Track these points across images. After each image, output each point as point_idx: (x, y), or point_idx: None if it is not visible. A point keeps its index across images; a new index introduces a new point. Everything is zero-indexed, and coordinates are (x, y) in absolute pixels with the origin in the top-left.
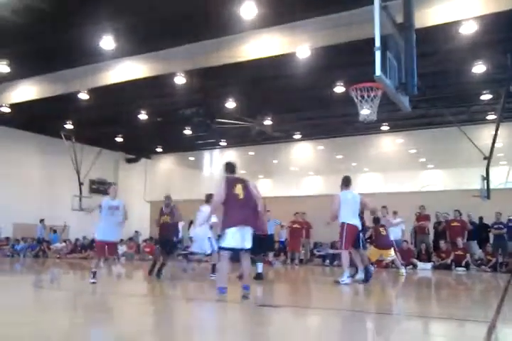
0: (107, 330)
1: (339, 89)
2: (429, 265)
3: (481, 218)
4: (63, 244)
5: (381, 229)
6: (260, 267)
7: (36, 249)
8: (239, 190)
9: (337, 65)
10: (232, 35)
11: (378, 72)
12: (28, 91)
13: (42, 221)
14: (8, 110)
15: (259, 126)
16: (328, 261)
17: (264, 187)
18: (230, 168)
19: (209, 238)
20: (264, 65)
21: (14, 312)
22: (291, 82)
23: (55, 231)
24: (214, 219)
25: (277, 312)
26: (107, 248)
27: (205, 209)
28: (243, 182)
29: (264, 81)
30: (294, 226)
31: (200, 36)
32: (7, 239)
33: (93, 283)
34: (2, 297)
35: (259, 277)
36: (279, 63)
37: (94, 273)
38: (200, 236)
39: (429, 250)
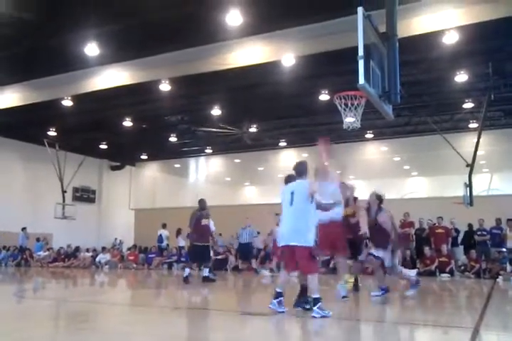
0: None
1: (324, 97)
2: (413, 271)
3: (470, 225)
4: (47, 253)
5: None
6: (206, 271)
7: (18, 257)
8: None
9: (321, 73)
10: (218, 43)
11: (362, 80)
12: (10, 97)
13: (24, 229)
14: None
15: (244, 133)
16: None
17: (250, 195)
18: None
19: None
20: (250, 72)
21: None
22: (276, 89)
23: (38, 240)
24: None
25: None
26: None
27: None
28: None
29: (250, 88)
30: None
31: (185, 43)
32: None
33: None
34: None
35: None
36: (264, 71)
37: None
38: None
39: (414, 257)
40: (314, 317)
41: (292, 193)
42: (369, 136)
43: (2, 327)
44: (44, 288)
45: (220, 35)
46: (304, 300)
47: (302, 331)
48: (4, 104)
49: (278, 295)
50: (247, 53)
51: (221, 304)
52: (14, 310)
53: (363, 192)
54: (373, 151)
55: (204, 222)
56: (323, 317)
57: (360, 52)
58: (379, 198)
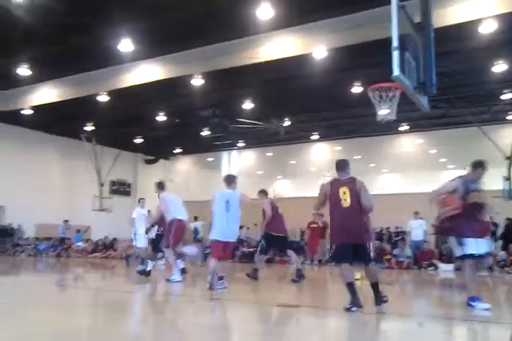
0: (123, 329)
1: (356, 89)
2: (451, 266)
3: (509, 219)
4: (85, 244)
5: None
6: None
7: (58, 248)
8: None
9: (354, 66)
10: (249, 37)
11: (396, 71)
12: (49, 93)
13: (66, 221)
14: (30, 112)
15: (276, 127)
16: None
17: (282, 188)
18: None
19: None
20: (281, 66)
21: (37, 311)
22: (307, 82)
23: (78, 231)
24: None
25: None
26: None
27: None
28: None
29: (281, 82)
30: (312, 226)
31: (217, 38)
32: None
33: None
34: (24, 296)
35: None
36: (295, 64)
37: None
38: None
39: (451, 251)
40: None
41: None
42: (404, 128)
43: (46, 316)
44: (83, 277)
45: (252, 29)
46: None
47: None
48: (43, 100)
49: None
50: (278, 46)
51: (251, 295)
52: (55, 299)
53: (398, 186)
54: (408, 144)
55: None
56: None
57: (395, 43)
58: None
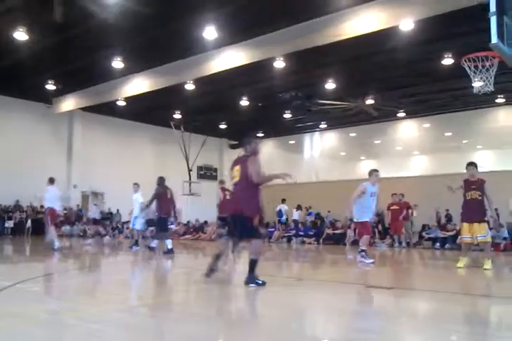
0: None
1: (447, 61)
2: None
3: None
4: (177, 227)
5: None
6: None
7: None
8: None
9: (444, 36)
10: (331, 14)
11: (494, 39)
12: (140, 84)
13: None
14: (123, 103)
15: (360, 105)
16: (438, 244)
17: (366, 169)
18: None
19: None
20: (365, 41)
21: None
22: (393, 57)
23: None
24: None
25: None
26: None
27: None
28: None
29: (365, 58)
30: (392, 208)
31: (297, 18)
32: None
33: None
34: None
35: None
36: (380, 39)
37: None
38: None
39: None
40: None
41: None
42: (500, 100)
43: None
44: (177, 258)
45: (333, 6)
46: None
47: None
48: (135, 91)
49: None
50: (361, 22)
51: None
52: (154, 277)
53: (495, 163)
54: (505, 118)
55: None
56: None
57: (492, 7)
58: None
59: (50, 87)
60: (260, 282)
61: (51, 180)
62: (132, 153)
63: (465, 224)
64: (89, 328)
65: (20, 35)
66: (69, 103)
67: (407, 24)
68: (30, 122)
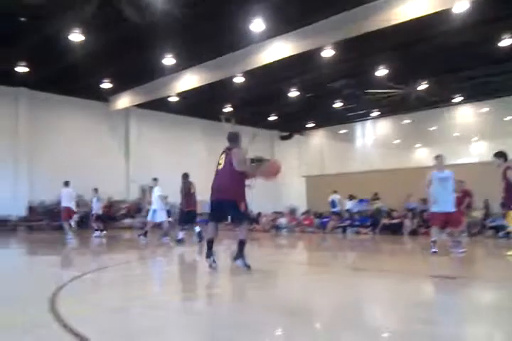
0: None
1: (506, 42)
2: None
3: None
4: None
5: None
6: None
7: None
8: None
9: (503, 16)
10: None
11: None
12: (190, 79)
13: None
14: (176, 99)
15: (414, 91)
16: (501, 233)
17: (422, 157)
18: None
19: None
20: (416, 25)
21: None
22: (446, 40)
23: None
24: None
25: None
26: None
27: None
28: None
29: (417, 43)
30: (457, 195)
31: (345, 5)
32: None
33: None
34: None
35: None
36: (432, 22)
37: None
38: None
39: None
40: None
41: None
42: None
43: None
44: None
45: None
46: None
47: None
48: (186, 86)
49: None
50: (413, 5)
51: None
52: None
53: None
54: None
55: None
56: None
57: None
58: None
59: (106, 85)
60: (248, 264)
61: (66, 183)
62: (185, 147)
63: None
64: (155, 315)
65: (76, 36)
66: (124, 100)
67: (461, 5)
68: (90, 120)
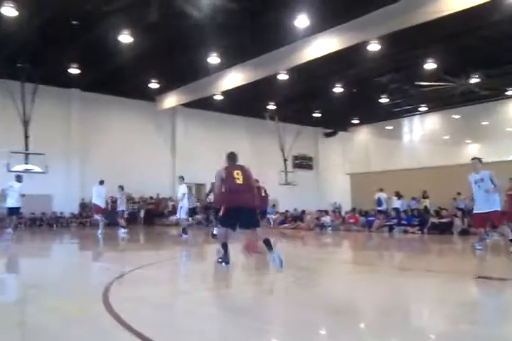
0: None
1: None
2: None
3: None
4: (277, 216)
5: None
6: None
7: None
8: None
9: None
10: None
11: None
12: (235, 78)
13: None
14: (220, 97)
15: (464, 85)
16: None
17: (472, 153)
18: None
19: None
20: (466, 16)
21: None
22: (500, 30)
23: (273, 206)
24: None
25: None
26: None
27: None
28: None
29: (467, 34)
30: (510, 193)
31: None
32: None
33: None
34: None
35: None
36: (483, 12)
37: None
38: None
39: None
40: None
41: None
42: None
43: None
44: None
45: None
46: None
47: None
48: (231, 85)
49: None
50: None
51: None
52: (258, 265)
53: None
54: None
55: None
56: None
57: None
58: None
59: (153, 85)
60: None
61: (101, 182)
62: (229, 145)
63: None
64: (201, 311)
65: (125, 37)
66: (171, 100)
67: None
68: (137, 120)
